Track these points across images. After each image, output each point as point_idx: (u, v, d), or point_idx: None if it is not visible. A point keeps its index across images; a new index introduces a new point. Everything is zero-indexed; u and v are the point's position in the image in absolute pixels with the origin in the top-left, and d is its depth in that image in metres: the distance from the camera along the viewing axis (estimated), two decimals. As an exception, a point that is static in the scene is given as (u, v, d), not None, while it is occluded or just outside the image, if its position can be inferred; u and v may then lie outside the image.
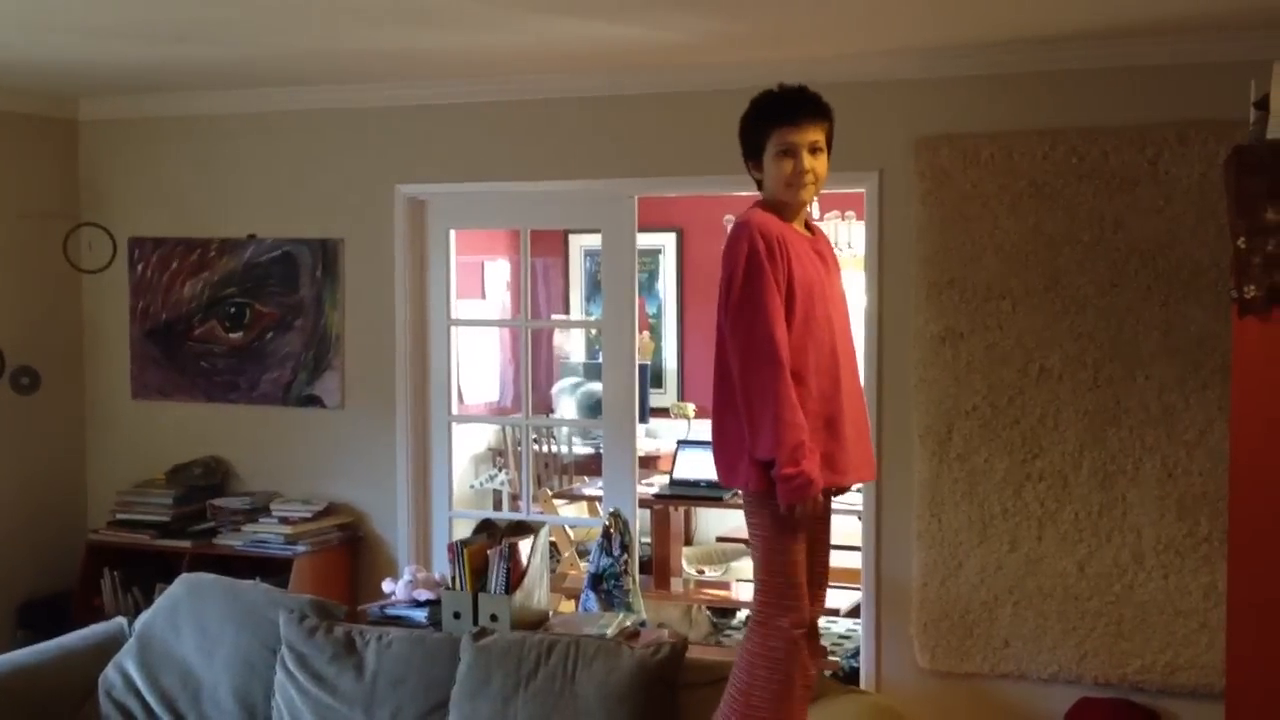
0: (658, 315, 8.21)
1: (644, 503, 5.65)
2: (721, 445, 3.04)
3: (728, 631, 6.19)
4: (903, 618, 4.28)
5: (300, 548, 4.74)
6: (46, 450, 5.26)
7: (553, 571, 5.64)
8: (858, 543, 4.47)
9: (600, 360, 5.41)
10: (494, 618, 3.58)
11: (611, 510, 4.12)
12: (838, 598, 5.21)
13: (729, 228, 3.09)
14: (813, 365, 2.96)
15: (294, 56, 4.31)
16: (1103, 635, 4.02)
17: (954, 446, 4.15)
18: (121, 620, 3.99)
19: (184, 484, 5.07)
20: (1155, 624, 3.97)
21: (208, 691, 3.67)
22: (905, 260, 4.23)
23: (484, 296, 7.90)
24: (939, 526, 4.18)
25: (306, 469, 5.06)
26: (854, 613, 5.11)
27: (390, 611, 3.79)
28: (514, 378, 7.88)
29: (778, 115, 3.00)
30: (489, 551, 3.65)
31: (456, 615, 3.63)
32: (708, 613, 6.13)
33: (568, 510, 6.76)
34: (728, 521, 6.78)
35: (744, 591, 5.92)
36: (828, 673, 4.23)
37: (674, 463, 6.09)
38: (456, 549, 3.69)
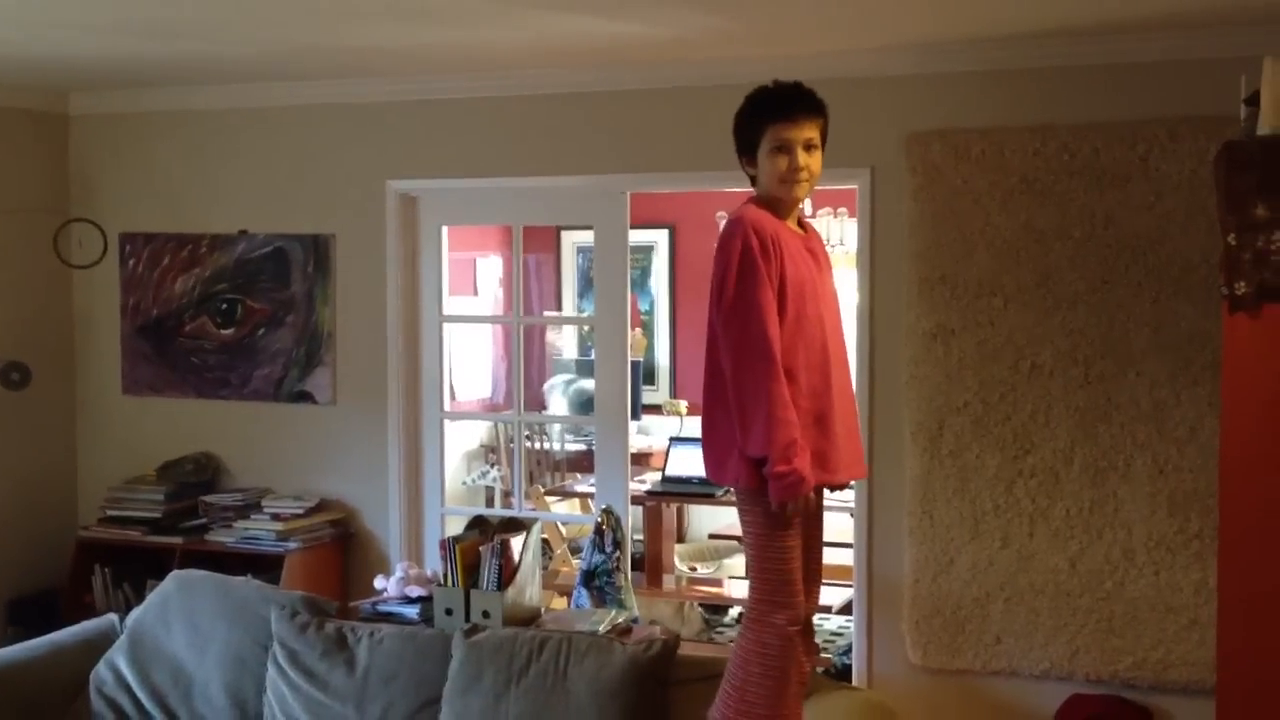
0: (650, 312, 8.21)
1: (636, 499, 5.64)
2: (711, 442, 3.04)
3: (720, 628, 6.18)
4: (894, 614, 4.29)
5: (292, 544, 4.74)
6: (37, 446, 5.25)
7: (545, 568, 5.63)
8: (849, 539, 4.47)
9: (592, 357, 5.41)
10: (486, 614, 3.57)
11: (604, 507, 4.12)
12: (829, 594, 5.19)
13: (722, 224, 3.09)
14: (804, 363, 2.97)
15: (286, 51, 4.30)
16: (1094, 632, 4.03)
17: (945, 443, 4.16)
18: (112, 617, 3.99)
19: (175, 480, 5.06)
20: (1146, 620, 3.98)
21: (199, 688, 3.67)
22: (897, 256, 4.23)
23: (476, 293, 7.89)
24: (930, 523, 4.19)
25: (298, 465, 5.05)
26: (846, 609, 5.11)
27: (382, 608, 3.78)
28: (506, 374, 7.87)
29: (773, 111, 3.00)
30: (481, 548, 3.64)
31: (448, 612, 3.63)
32: (700, 609, 6.13)
33: (560, 507, 6.76)
34: (720, 518, 6.77)
35: (736, 588, 5.92)
36: (820, 669, 4.24)
37: (666, 460, 6.09)
38: (448, 545, 3.68)
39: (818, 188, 3.25)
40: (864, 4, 3.58)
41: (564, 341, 8.42)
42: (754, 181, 3.09)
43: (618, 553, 3.90)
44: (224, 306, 5.13)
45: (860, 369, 4.25)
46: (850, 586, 4.55)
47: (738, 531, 3.38)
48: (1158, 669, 3.97)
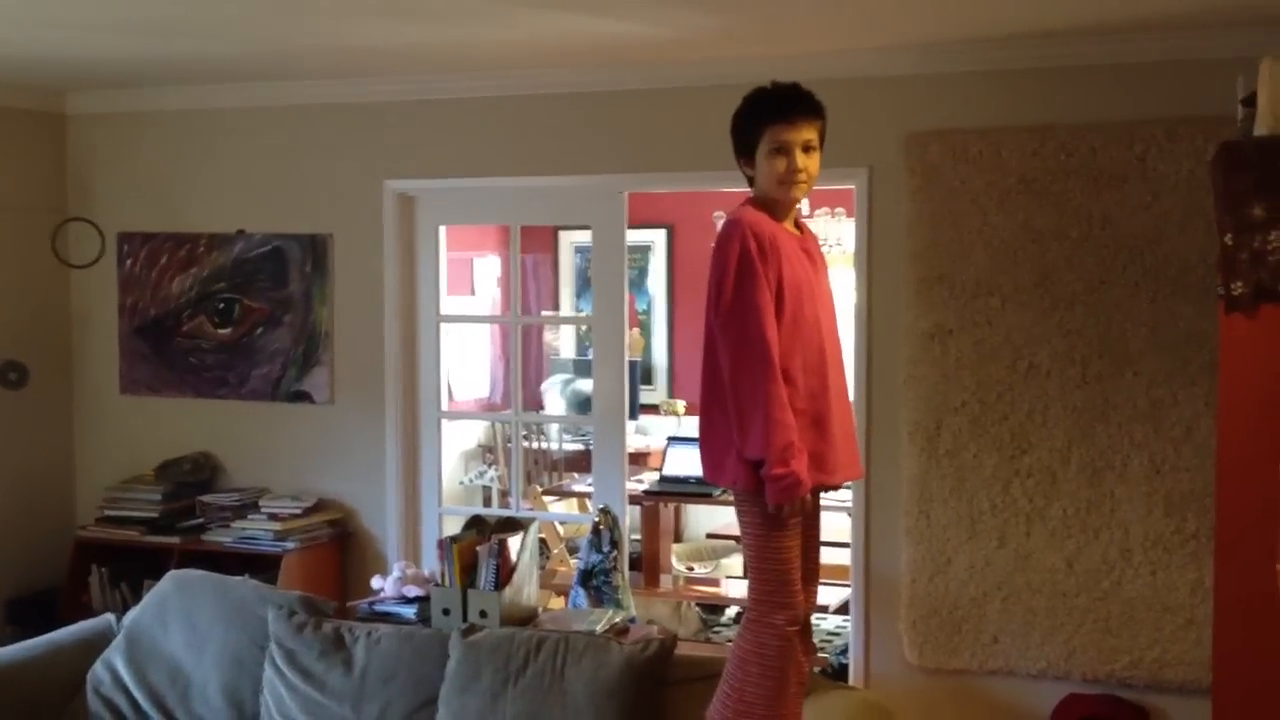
0: (648, 312, 8.21)
1: (634, 499, 5.65)
2: (709, 443, 3.04)
3: (717, 628, 6.19)
4: (891, 614, 4.29)
5: (289, 544, 4.74)
6: (34, 446, 5.24)
7: (542, 568, 5.64)
8: (847, 539, 4.47)
9: (590, 357, 5.42)
10: (483, 614, 3.58)
11: (601, 507, 4.12)
12: (827, 594, 5.19)
13: (719, 224, 3.09)
14: (801, 364, 2.97)
15: (284, 51, 4.30)
16: (1090, 631, 4.04)
17: (943, 443, 4.16)
18: (110, 617, 3.99)
19: (172, 480, 5.05)
20: (1143, 620, 3.98)
21: (196, 688, 3.67)
22: (894, 256, 4.24)
23: (474, 293, 7.89)
24: (928, 523, 4.19)
25: (296, 465, 5.05)
26: (843, 609, 5.11)
27: (379, 608, 3.78)
28: (504, 374, 7.88)
29: (772, 113, 2.99)
30: (478, 548, 3.65)
31: (446, 612, 3.63)
32: (697, 609, 6.14)
33: (557, 507, 6.76)
34: (717, 518, 6.78)
35: (733, 588, 5.93)
36: (817, 669, 4.24)
37: (664, 459, 6.10)
38: (446, 545, 3.68)
39: (816, 187, 3.26)
40: (862, 4, 3.58)
41: (561, 341, 8.43)
42: (751, 182, 3.09)
43: (615, 552, 3.89)
44: (222, 306, 5.13)
45: (858, 369, 4.25)
46: (847, 586, 4.55)
47: (735, 531, 3.39)
48: (1154, 668, 3.98)
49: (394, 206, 4.89)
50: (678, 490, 5.91)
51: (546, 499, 6.68)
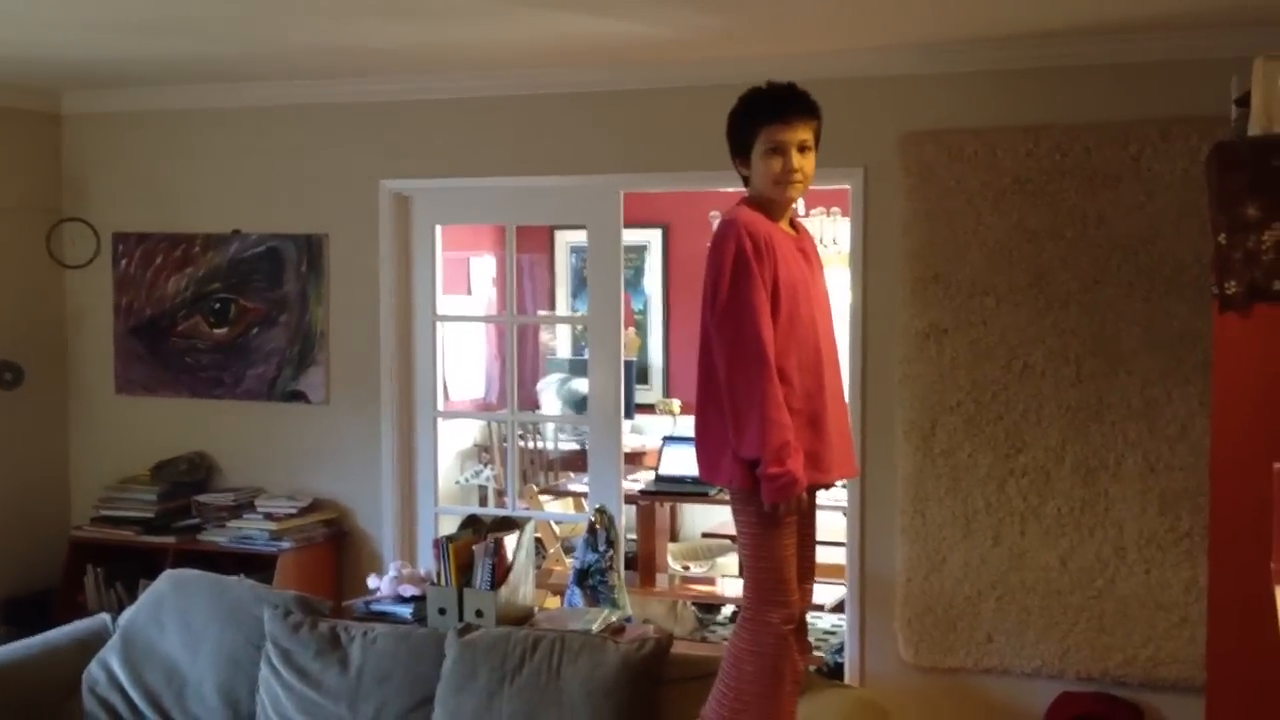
0: (643, 311, 8.21)
1: (629, 498, 5.65)
2: (704, 442, 3.04)
3: (713, 627, 6.20)
4: (887, 613, 4.30)
5: (285, 544, 4.74)
6: (29, 446, 5.24)
7: (538, 567, 5.65)
8: (842, 538, 4.48)
9: (586, 356, 5.42)
10: (479, 613, 3.58)
11: (597, 506, 4.12)
12: (822, 593, 5.21)
13: (715, 224, 3.09)
14: (796, 364, 2.97)
15: (279, 51, 4.30)
16: (1085, 630, 4.04)
17: (938, 442, 4.17)
18: (105, 617, 3.98)
19: (168, 480, 5.05)
20: (1137, 618, 3.99)
21: (192, 688, 3.66)
22: (890, 256, 4.24)
23: (469, 292, 7.89)
24: (923, 522, 4.20)
25: (291, 465, 5.05)
26: (838, 608, 5.12)
27: (375, 607, 3.78)
28: (499, 374, 7.88)
29: (767, 113, 2.99)
30: (474, 547, 3.65)
31: (442, 611, 3.63)
32: (693, 608, 6.14)
33: (553, 506, 6.76)
34: (713, 517, 6.78)
35: (729, 587, 5.93)
36: (812, 668, 4.25)
37: (659, 459, 6.10)
38: (442, 545, 3.69)
39: (811, 187, 3.26)
40: (859, 4, 3.59)
41: (557, 341, 8.43)
42: (747, 182, 3.09)
43: (611, 552, 3.89)
44: (217, 306, 5.13)
45: (853, 368, 4.26)
46: (843, 585, 4.56)
47: (731, 530, 3.39)
48: (1148, 666, 3.99)
49: (390, 206, 4.89)
50: (673, 489, 5.91)
51: (542, 498, 6.68)
